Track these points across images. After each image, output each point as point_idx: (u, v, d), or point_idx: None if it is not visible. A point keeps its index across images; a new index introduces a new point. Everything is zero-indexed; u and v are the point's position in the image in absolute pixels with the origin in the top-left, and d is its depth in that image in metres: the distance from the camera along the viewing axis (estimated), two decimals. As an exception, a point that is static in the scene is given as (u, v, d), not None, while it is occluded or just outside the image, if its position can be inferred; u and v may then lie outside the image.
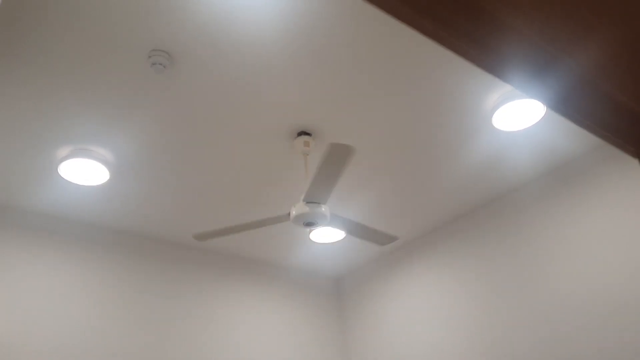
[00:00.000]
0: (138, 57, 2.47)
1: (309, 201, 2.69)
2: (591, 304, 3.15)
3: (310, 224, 2.74)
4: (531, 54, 1.18)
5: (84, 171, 3.17)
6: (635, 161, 3.16)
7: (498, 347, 3.58)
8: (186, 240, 4.20)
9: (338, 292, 5.08)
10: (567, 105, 1.36)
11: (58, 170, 3.15)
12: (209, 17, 2.29)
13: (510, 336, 3.52)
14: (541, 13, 1.10)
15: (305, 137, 3.04)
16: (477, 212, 4.01)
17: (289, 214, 2.81)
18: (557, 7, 1.09)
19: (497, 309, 3.66)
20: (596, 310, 3.11)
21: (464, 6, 1.01)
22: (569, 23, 1.16)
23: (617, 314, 3.01)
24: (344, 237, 4.29)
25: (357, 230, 3.03)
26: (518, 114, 2.96)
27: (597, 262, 3.18)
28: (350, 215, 3.97)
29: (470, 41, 1.03)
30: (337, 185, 3.59)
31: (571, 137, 3.26)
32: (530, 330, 3.41)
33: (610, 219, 3.19)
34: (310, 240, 4.32)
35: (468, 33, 1.03)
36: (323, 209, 2.71)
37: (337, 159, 2.44)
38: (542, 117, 3.04)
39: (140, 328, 3.75)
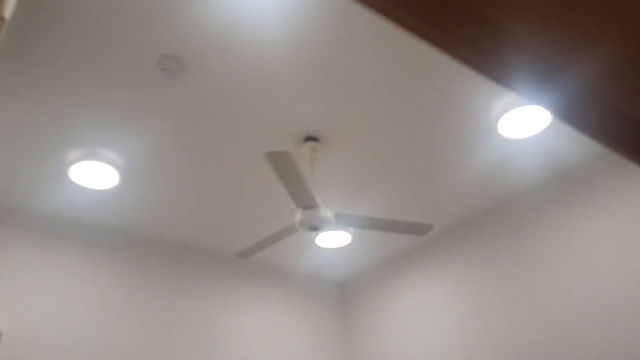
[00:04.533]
0: (148, 62, 2.50)
1: (304, 207, 2.70)
2: (596, 310, 3.13)
3: (314, 228, 2.75)
4: (536, 63, 1.19)
5: (94, 174, 3.20)
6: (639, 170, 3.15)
7: (503, 353, 3.56)
8: (192, 244, 4.22)
9: (343, 297, 5.08)
10: (572, 114, 1.37)
11: (68, 173, 3.19)
12: (219, 23, 2.32)
13: (515, 342, 3.51)
14: (545, 23, 1.12)
15: (312, 143, 3.06)
16: (483, 218, 4.01)
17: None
18: (561, 17, 1.10)
19: (502, 315, 3.65)
20: (602, 316, 3.10)
21: (469, 16, 1.02)
22: (574, 33, 1.17)
23: (623, 320, 2.99)
24: (350, 242, 4.29)
25: (388, 225, 2.89)
26: (524, 121, 2.96)
27: (602, 268, 3.17)
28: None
29: (475, 50, 1.05)
30: (343, 191, 3.60)
31: (577, 144, 3.26)
32: (535, 336, 3.40)
33: (615, 226, 3.18)
34: (316, 244, 4.32)
35: (473, 42, 1.05)
36: (321, 212, 2.69)
37: (283, 166, 2.39)
38: (548, 125, 3.04)
39: (146, 330, 3.77)
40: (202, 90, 2.69)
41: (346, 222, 2.86)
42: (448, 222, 4.11)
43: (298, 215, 2.72)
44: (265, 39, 2.41)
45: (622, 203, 3.19)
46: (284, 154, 2.32)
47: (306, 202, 2.64)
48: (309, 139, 3.07)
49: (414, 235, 3.07)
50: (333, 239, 3.79)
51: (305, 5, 2.25)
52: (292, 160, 2.37)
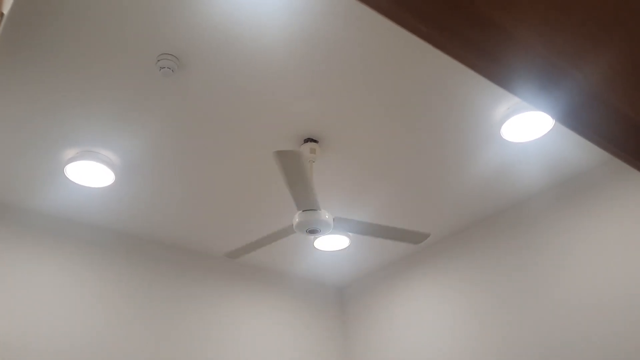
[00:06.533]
0: (146, 60, 2.49)
1: (304, 209, 2.68)
2: (598, 317, 3.12)
3: (313, 231, 2.73)
4: (539, 67, 1.18)
5: (90, 173, 3.18)
6: (642, 176, 3.14)
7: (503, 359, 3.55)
8: (190, 245, 4.20)
9: (341, 302, 5.06)
10: (574, 119, 1.35)
11: (64, 170, 3.17)
12: (218, 22, 2.31)
13: (515, 349, 3.49)
14: (549, 27, 1.10)
15: (311, 144, 3.04)
16: (484, 223, 3.99)
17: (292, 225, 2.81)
18: (564, 21, 1.09)
19: (501, 322, 3.63)
20: (604, 323, 3.08)
21: (473, 18, 1.01)
22: (577, 37, 1.16)
23: (626, 328, 2.98)
24: (349, 246, 4.28)
25: (385, 232, 2.94)
26: (527, 125, 2.95)
27: (604, 274, 3.16)
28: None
29: (478, 53, 1.03)
30: (342, 194, 3.59)
31: (580, 149, 3.25)
32: (536, 344, 3.39)
33: (617, 232, 3.17)
34: (315, 248, 4.31)
35: (476, 45, 1.03)
36: (321, 216, 2.68)
37: (290, 166, 2.37)
38: (551, 129, 3.03)
39: (143, 331, 3.74)
40: (200, 89, 2.68)
41: (345, 227, 2.85)
42: (449, 226, 4.10)
43: (297, 218, 2.70)
44: (265, 38, 2.39)
45: (625, 209, 3.18)
46: (294, 154, 2.30)
47: (307, 205, 2.63)
48: (309, 140, 3.05)
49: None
50: (331, 242, 3.78)
51: (306, 4, 2.24)
52: (301, 161, 2.35)
